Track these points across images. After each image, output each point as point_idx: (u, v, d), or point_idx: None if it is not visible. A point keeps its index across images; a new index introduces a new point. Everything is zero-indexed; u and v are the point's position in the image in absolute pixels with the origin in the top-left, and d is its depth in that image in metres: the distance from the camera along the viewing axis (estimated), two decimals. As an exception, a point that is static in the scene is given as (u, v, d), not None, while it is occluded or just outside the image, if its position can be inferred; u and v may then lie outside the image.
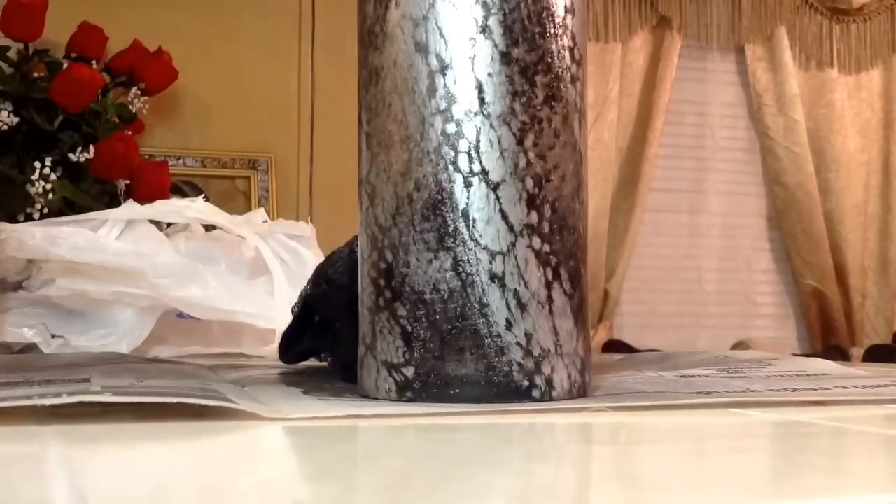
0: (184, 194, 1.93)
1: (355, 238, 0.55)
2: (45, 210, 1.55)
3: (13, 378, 0.44)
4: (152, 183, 1.72)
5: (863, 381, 0.53)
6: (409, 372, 0.42)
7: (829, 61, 2.71)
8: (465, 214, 0.42)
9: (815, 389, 0.48)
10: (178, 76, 1.92)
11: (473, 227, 0.41)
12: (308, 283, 0.58)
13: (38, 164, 1.55)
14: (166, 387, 0.40)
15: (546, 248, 0.42)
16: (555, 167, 0.43)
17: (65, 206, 1.56)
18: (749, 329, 2.68)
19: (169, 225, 0.99)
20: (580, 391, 0.43)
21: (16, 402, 0.35)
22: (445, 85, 0.42)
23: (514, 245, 0.42)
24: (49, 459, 0.30)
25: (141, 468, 0.28)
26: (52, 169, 1.55)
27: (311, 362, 0.61)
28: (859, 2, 2.74)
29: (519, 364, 0.41)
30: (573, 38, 0.44)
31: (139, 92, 1.86)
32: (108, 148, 1.66)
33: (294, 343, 0.58)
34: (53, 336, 0.84)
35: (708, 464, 0.30)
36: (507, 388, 0.41)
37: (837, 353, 2.51)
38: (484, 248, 0.41)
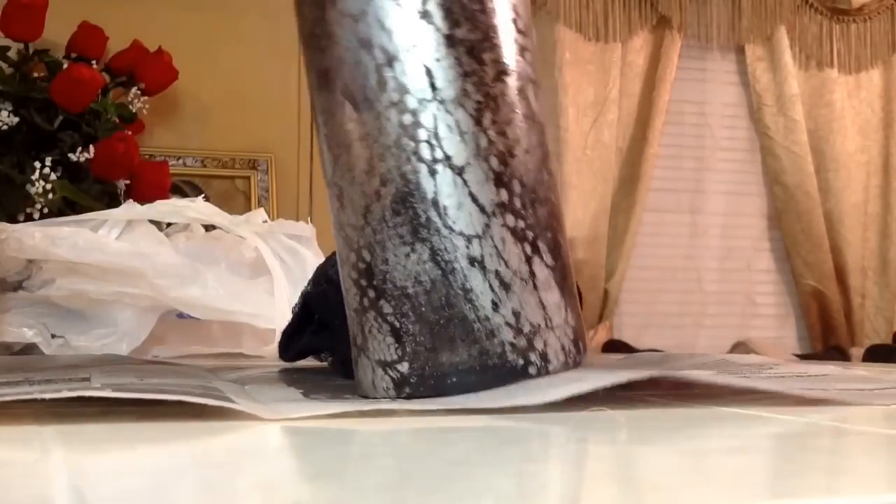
0: (184, 194, 1.93)
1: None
2: (45, 210, 1.55)
3: (13, 378, 0.44)
4: (152, 183, 1.72)
5: (863, 381, 0.53)
6: (404, 368, 0.42)
7: (829, 61, 2.71)
8: (435, 203, 0.41)
9: (815, 389, 0.48)
10: (178, 76, 1.92)
11: (445, 214, 0.41)
12: (309, 283, 0.58)
13: (38, 164, 1.55)
14: (167, 385, 0.40)
15: (521, 224, 0.42)
16: (517, 142, 0.42)
17: (65, 206, 1.56)
18: (749, 329, 2.68)
19: (169, 225, 0.99)
20: (576, 361, 0.43)
21: (16, 397, 0.35)
22: (395, 76, 0.42)
23: (488, 226, 0.41)
24: (49, 459, 0.30)
25: (141, 468, 0.28)
26: (52, 169, 1.55)
27: (311, 361, 0.61)
28: (859, 2, 2.74)
29: (511, 344, 0.41)
30: (514, 9, 0.44)
31: (139, 92, 1.86)
32: (108, 148, 1.66)
33: (294, 341, 0.58)
34: (53, 336, 0.84)
35: (708, 464, 0.30)
36: (502, 369, 0.41)
37: (837, 353, 2.51)
38: (459, 234, 0.41)
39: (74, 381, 0.42)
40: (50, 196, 1.54)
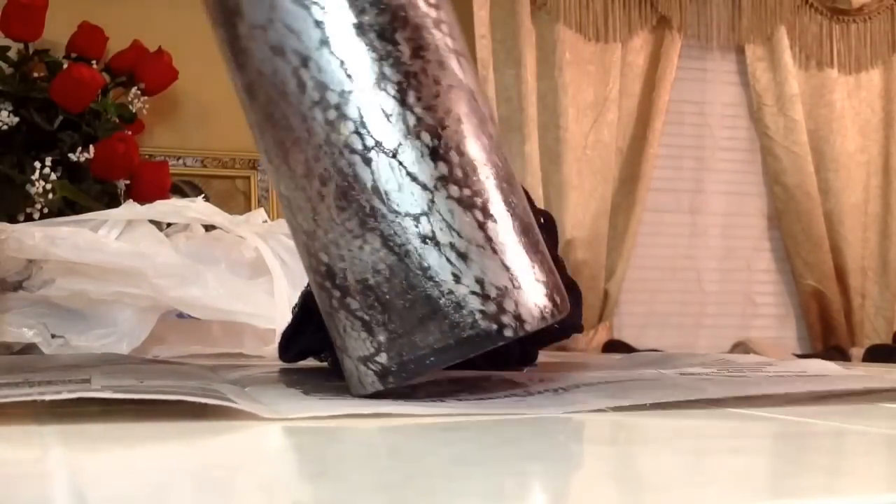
0: (184, 194, 1.93)
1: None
2: (45, 210, 1.55)
3: (13, 378, 0.44)
4: (152, 183, 1.72)
5: (863, 382, 0.53)
6: (383, 359, 0.42)
7: (829, 61, 2.71)
8: (376, 190, 0.41)
9: (814, 389, 0.48)
10: (178, 76, 1.92)
11: (388, 199, 0.41)
12: (308, 284, 0.58)
13: (38, 164, 1.55)
14: (167, 386, 0.40)
15: (466, 192, 0.42)
16: (447, 113, 0.42)
17: (65, 206, 1.56)
18: (749, 329, 2.68)
19: (169, 225, 0.99)
20: (554, 314, 0.43)
21: (16, 398, 0.35)
22: (312, 76, 0.42)
23: (432, 202, 0.41)
24: (49, 459, 0.30)
25: (141, 468, 0.28)
26: (52, 169, 1.56)
27: (311, 362, 0.61)
28: (859, 2, 2.74)
29: (481, 311, 0.41)
30: None
31: (139, 92, 1.86)
32: (108, 148, 1.66)
33: (294, 342, 0.58)
34: (53, 336, 0.84)
35: (708, 464, 0.30)
36: (477, 338, 0.41)
37: (837, 353, 2.51)
38: (406, 215, 0.41)
39: (74, 381, 0.42)
40: (50, 196, 1.54)
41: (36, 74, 1.76)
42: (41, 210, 1.54)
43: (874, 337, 2.73)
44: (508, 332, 0.41)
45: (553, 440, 0.35)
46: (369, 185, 0.41)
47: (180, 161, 2.09)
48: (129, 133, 1.76)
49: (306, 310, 0.57)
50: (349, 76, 0.42)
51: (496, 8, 2.42)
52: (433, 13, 0.44)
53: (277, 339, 0.61)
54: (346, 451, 0.31)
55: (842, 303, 2.70)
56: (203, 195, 1.39)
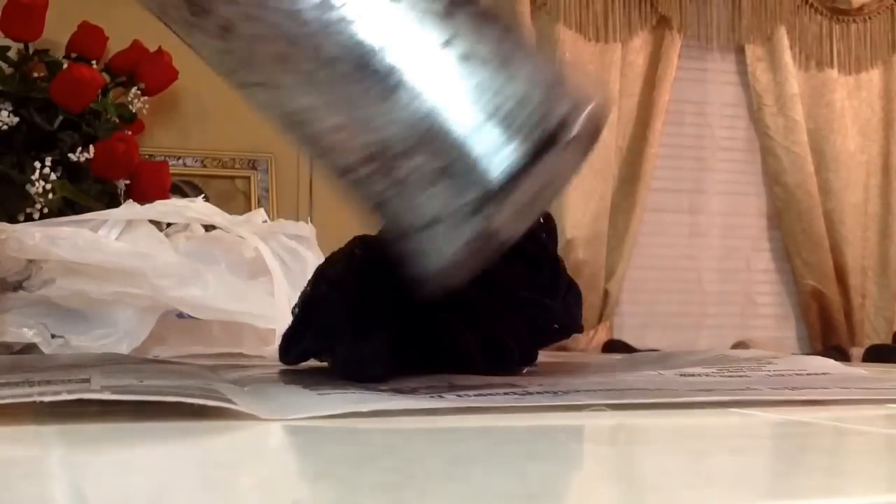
0: (184, 194, 1.93)
1: (356, 239, 0.55)
2: (45, 210, 1.55)
3: (13, 378, 0.44)
4: (152, 183, 1.72)
5: (863, 381, 0.53)
6: (476, 189, 0.39)
7: (829, 61, 2.71)
8: (385, 42, 0.40)
9: (815, 389, 0.48)
10: (178, 76, 1.92)
11: (398, 44, 0.40)
12: (308, 285, 0.58)
13: (38, 164, 1.55)
14: (166, 386, 0.40)
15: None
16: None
17: (65, 206, 1.56)
18: (749, 329, 2.68)
19: (169, 225, 0.99)
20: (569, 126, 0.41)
21: (15, 399, 0.35)
22: None
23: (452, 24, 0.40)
24: (49, 459, 0.30)
25: (141, 468, 0.28)
26: (52, 169, 1.56)
27: (312, 362, 0.61)
28: (859, 2, 2.74)
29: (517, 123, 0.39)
30: None
31: (139, 92, 1.86)
32: (108, 148, 1.66)
33: (294, 344, 0.58)
34: (53, 336, 0.84)
35: (708, 464, 0.30)
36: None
37: (837, 353, 2.51)
38: (426, 46, 0.40)
39: (74, 381, 0.42)
40: (50, 196, 1.54)
41: (36, 74, 1.76)
42: (41, 210, 1.54)
43: (874, 337, 2.73)
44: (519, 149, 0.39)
45: (553, 440, 0.35)
46: (377, 44, 0.40)
47: (180, 161, 2.09)
48: (129, 133, 1.76)
49: (306, 311, 0.57)
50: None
51: (496, 6, 2.41)
52: None
53: (277, 339, 0.61)
54: (346, 451, 0.31)
55: (842, 303, 2.70)
56: (203, 195, 1.39)
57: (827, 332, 2.69)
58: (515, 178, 0.39)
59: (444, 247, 0.41)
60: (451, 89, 0.39)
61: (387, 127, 0.40)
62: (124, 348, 0.84)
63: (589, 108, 0.40)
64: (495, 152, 0.39)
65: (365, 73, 0.40)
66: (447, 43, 0.40)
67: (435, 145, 0.39)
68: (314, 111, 0.42)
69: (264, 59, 0.43)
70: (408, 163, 0.40)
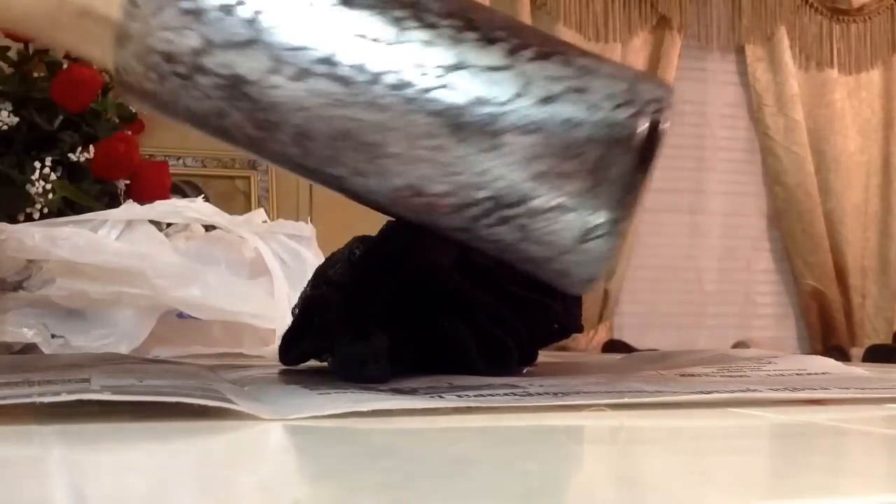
0: (184, 194, 1.93)
1: (356, 239, 0.55)
2: (45, 210, 1.55)
3: (13, 378, 0.44)
4: (152, 183, 1.72)
5: (863, 381, 0.53)
6: (602, 216, 0.41)
7: (829, 61, 2.71)
8: (476, 101, 0.41)
9: (815, 389, 0.48)
10: (178, 76, 1.92)
11: (487, 100, 0.41)
12: (308, 285, 0.58)
13: (38, 164, 1.55)
14: (166, 386, 0.40)
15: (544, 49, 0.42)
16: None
17: (65, 206, 1.56)
18: (749, 329, 2.68)
19: (169, 225, 0.99)
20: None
21: (15, 400, 0.35)
22: (344, 67, 0.40)
23: (515, 69, 0.41)
24: (49, 459, 0.30)
25: (141, 468, 0.28)
26: (52, 169, 1.55)
27: (312, 362, 0.61)
28: (859, 2, 2.74)
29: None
30: None
31: (139, 92, 1.86)
32: (108, 148, 1.66)
33: (294, 345, 0.58)
34: (53, 336, 0.84)
35: (708, 464, 0.30)
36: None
37: (837, 353, 2.51)
38: (509, 100, 0.40)
39: (74, 381, 0.42)
40: (50, 196, 1.54)
41: (36, 74, 1.76)
42: (41, 210, 1.54)
43: (874, 337, 2.73)
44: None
45: (553, 440, 0.35)
46: (464, 101, 0.40)
47: (180, 161, 2.09)
48: (130, 133, 1.76)
49: (306, 312, 0.57)
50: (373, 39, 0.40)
51: (496, 8, 2.42)
52: None
53: (278, 339, 0.61)
54: (346, 451, 0.31)
55: (842, 303, 2.70)
56: (203, 195, 1.39)
57: (827, 332, 2.69)
58: (635, 190, 0.41)
59: (584, 270, 0.42)
60: (545, 130, 0.40)
61: (500, 178, 0.40)
62: (124, 348, 0.84)
63: (667, 99, 0.41)
64: (608, 171, 0.40)
65: (464, 132, 0.40)
66: (521, 93, 0.40)
67: (550, 183, 0.40)
68: (418, 184, 0.42)
69: (350, 153, 0.42)
70: (527, 207, 0.41)
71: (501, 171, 0.40)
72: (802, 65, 2.70)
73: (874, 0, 2.76)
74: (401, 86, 0.40)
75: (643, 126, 0.40)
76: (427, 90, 0.40)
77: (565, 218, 0.41)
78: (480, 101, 0.40)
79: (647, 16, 2.56)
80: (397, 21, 0.40)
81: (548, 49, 0.41)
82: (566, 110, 0.40)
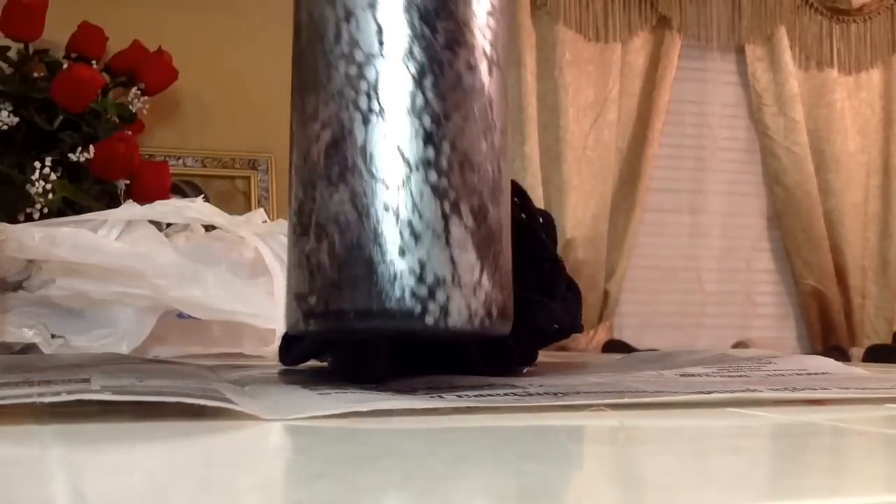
0: (184, 194, 1.93)
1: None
2: (45, 210, 1.55)
3: (13, 378, 0.44)
4: (152, 183, 1.72)
5: (863, 381, 0.53)
6: (313, 300, 0.44)
7: (829, 61, 2.71)
8: (363, 150, 0.43)
9: (815, 389, 0.48)
10: (178, 76, 1.92)
11: (371, 161, 0.43)
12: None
13: (38, 164, 1.55)
14: (166, 386, 0.40)
15: (444, 182, 0.43)
16: (456, 107, 0.44)
17: (65, 207, 1.56)
18: (749, 329, 2.68)
19: (169, 225, 0.99)
20: (484, 325, 0.44)
21: (15, 401, 0.35)
22: (349, 31, 0.44)
23: (408, 178, 0.43)
24: (49, 459, 0.30)
25: (141, 468, 0.28)
26: (52, 169, 1.55)
27: (312, 362, 0.61)
28: (859, 2, 2.74)
29: (411, 290, 0.42)
30: None
31: (139, 92, 1.86)
32: (108, 148, 1.66)
33: (294, 345, 0.58)
34: (53, 336, 0.84)
35: (708, 464, 0.30)
36: (398, 313, 0.42)
37: (837, 353, 2.51)
38: (380, 181, 0.43)
39: (74, 381, 0.42)
40: (50, 196, 1.54)
41: (36, 74, 1.76)
42: (41, 210, 1.54)
43: (874, 337, 2.73)
44: (429, 319, 0.42)
45: (553, 440, 0.35)
46: (359, 143, 0.43)
47: (180, 161, 2.09)
48: (129, 133, 1.76)
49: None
50: (381, 43, 0.44)
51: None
52: (483, 17, 0.46)
53: (277, 339, 0.61)
54: (346, 451, 0.31)
55: (842, 303, 2.70)
56: (203, 195, 1.39)
57: (827, 332, 2.69)
58: (344, 325, 0.44)
59: (286, 312, 0.47)
60: (368, 222, 0.44)
61: (315, 202, 0.45)
62: (124, 348, 0.84)
63: (459, 320, 0.44)
64: (346, 293, 0.44)
65: (336, 153, 0.45)
66: (392, 186, 0.44)
67: (324, 246, 0.44)
68: (296, 143, 0.47)
69: (298, 75, 0.47)
70: (304, 237, 0.45)
71: (321, 200, 0.45)
72: (802, 65, 2.70)
73: (874, 0, 2.76)
74: (352, 80, 0.45)
75: (405, 304, 0.43)
76: (358, 106, 0.45)
77: (303, 272, 0.45)
78: (363, 152, 0.44)
79: (647, 16, 2.56)
80: (407, 56, 0.44)
81: None
82: (387, 229, 0.44)
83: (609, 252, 2.52)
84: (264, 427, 0.36)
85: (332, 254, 0.43)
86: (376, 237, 0.43)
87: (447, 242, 0.43)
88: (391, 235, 0.43)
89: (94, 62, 1.80)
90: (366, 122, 0.43)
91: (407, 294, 0.42)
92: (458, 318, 0.43)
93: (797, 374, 0.55)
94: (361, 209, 0.43)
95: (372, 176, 0.43)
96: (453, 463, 0.28)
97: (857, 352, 2.54)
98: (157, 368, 0.53)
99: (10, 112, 1.65)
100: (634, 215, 2.53)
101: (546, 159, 2.45)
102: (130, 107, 1.83)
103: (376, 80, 0.44)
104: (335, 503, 0.23)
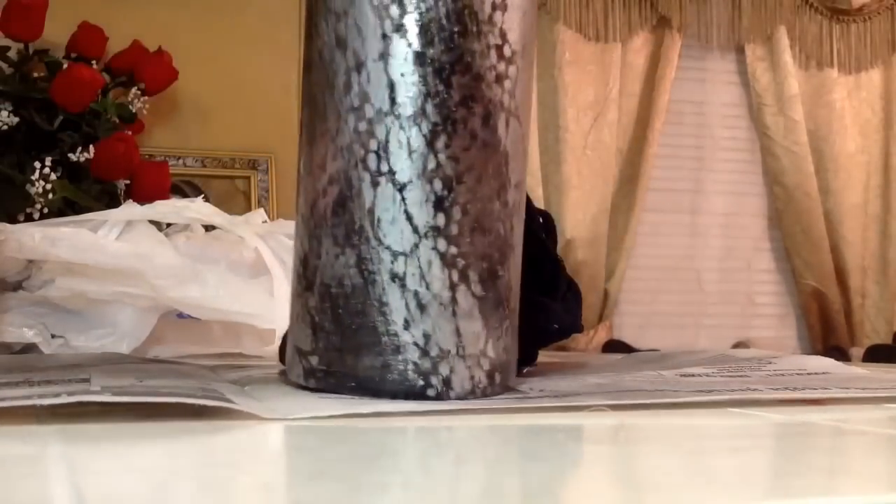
0: (184, 194, 1.93)
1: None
2: (45, 210, 1.55)
3: (13, 378, 0.44)
4: (152, 183, 1.72)
5: (863, 381, 0.53)
6: (315, 360, 0.43)
7: (829, 61, 2.71)
8: (371, 213, 0.42)
9: (815, 389, 0.48)
10: (178, 76, 1.92)
11: (378, 226, 0.42)
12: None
13: (38, 164, 1.55)
14: (166, 387, 0.40)
15: (453, 250, 0.42)
16: (469, 169, 0.42)
17: (65, 207, 1.56)
18: (749, 329, 2.68)
19: (169, 225, 0.99)
20: (486, 392, 0.43)
21: (15, 403, 0.35)
22: (360, 83, 0.42)
23: (417, 246, 0.41)
24: (49, 459, 0.30)
25: (141, 468, 0.28)
26: (52, 169, 1.55)
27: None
28: (859, 2, 2.74)
29: (415, 364, 0.42)
30: (502, 34, 0.43)
31: (139, 92, 1.86)
32: (108, 148, 1.66)
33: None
34: (53, 336, 0.84)
35: (708, 464, 0.30)
36: (400, 385, 0.42)
37: (837, 353, 2.51)
38: (387, 248, 0.42)
39: (74, 382, 0.42)
40: (50, 196, 1.54)
41: (36, 74, 1.76)
42: (41, 210, 1.54)
43: (874, 337, 2.73)
44: (431, 393, 0.42)
45: (553, 440, 0.35)
46: (367, 205, 0.42)
47: (180, 161, 2.09)
48: (129, 133, 1.76)
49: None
50: (392, 99, 0.41)
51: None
52: (501, 67, 0.43)
53: (277, 339, 0.61)
54: (346, 451, 0.31)
55: (842, 303, 2.70)
56: (203, 195, 1.39)
57: (827, 332, 2.69)
58: (344, 389, 0.43)
59: (288, 361, 0.47)
60: (373, 289, 0.43)
61: (321, 259, 0.44)
62: (124, 348, 0.84)
63: (461, 392, 0.44)
64: (349, 360, 0.43)
65: (343, 213, 0.44)
66: (400, 254, 0.42)
67: (327, 307, 0.43)
68: (303, 190, 0.46)
69: (308, 116, 0.46)
70: (307, 293, 0.45)
71: (326, 259, 0.44)
72: (802, 64, 2.70)
73: (874, 0, 2.76)
74: (361, 137, 0.43)
75: (407, 378, 0.42)
76: (367, 166, 0.43)
77: (306, 329, 0.44)
78: (371, 215, 0.43)
79: (647, 16, 2.56)
80: (418, 115, 0.42)
81: None
82: (393, 299, 0.43)
83: (609, 252, 2.52)
84: (264, 427, 0.36)
85: (336, 318, 0.42)
86: (381, 306, 0.41)
87: (453, 313, 0.42)
88: (397, 305, 0.41)
89: (94, 62, 1.79)
90: (374, 184, 0.41)
91: (410, 368, 0.41)
92: (460, 389, 0.42)
93: (797, 374, 0.55)
94: (367, 276, 0.42)
95: (379, 242, 0.41)
96: (454, 463, 0.28)
97: (857, 352, 2.54)
98: (157, 368, 0.53)
99: (10, 112, 1.65)
100: (634, 215, 2.53)
101: (546, 159, 2.45)
102: (130, 107, 1.83)
103: (386, 140, 0.41)
104: (335, 503, 0.23)
